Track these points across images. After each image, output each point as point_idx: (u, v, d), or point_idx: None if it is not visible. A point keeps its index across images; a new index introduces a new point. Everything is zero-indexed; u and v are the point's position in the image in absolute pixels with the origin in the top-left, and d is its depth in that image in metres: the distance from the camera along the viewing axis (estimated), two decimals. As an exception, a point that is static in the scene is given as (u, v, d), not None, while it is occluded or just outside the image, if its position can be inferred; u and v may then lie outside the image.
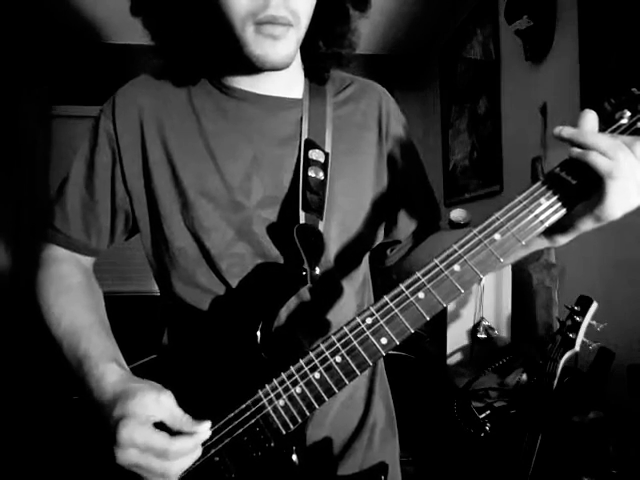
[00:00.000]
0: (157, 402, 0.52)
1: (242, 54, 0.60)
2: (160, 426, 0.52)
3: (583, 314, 1.09)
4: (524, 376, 1.52)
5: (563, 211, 0.49)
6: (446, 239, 0.77)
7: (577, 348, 1.09)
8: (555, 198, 0.49)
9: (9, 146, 2.75)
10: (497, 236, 0.50)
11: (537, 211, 0.49)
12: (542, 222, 0.49)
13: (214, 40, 0.66)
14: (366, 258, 0.78)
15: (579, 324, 1.09)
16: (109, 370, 0.56)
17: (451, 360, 1.87)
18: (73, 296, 0.66)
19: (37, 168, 2.91)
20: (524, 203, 0.50)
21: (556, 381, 1.10)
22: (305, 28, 0.62)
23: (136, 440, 0.50)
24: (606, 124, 0.50)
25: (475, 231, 0.51)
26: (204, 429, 0.53)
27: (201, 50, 0.67)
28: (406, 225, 0.77)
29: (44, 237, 0.71)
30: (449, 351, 1.87)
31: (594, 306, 1.09)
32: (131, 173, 0.68)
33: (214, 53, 0.68)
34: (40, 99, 2.94)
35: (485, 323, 1.85)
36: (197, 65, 0.68)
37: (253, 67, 0.62)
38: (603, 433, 1.20)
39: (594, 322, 1.10)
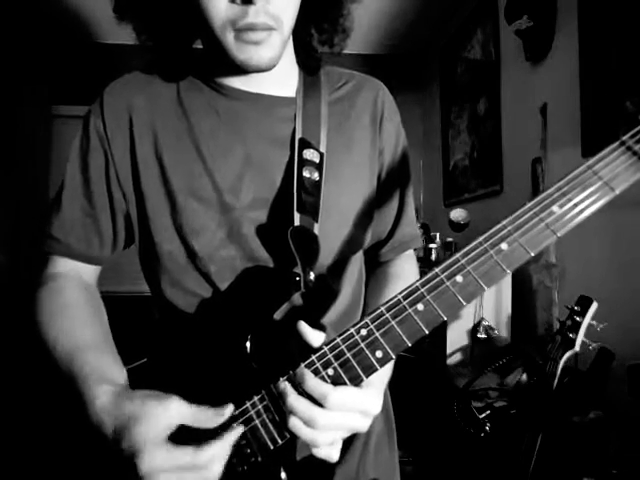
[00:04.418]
0: (164, 412, 0.48)
1: (226, 57, 0.59)
2: (181, 432, 0.49)
3: (583, 314, 1.09)
4: (524, 376, 1.52)
5: (578, 219, 0.46)
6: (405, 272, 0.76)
7: (577, 348, 1.09)
8: (570, 205, 0.46)
9: (9, 146, 2.75)
10: (504, 246, 0.46)
11: (549, 220, 0.46)
12: (554, 232, 0.46)
13: (201, 41, 0.65)
14: (361, 254, 0.76)
15: (579, 324, 1.09)
16: (99, 392, 0.52)
17: (451, 360, 1.87)
18: (69, 314, 0.62)
19: (37, 168, 2.91)
20: (534, 210, 0.46)
21: (556, 381, 1.10)
22: (290, 29, 0.61)
23: (160, 466, 0.46)
24: (629, 125, 0.47)
25: (480, 239, 0.47)
26: (225, 418, 0.49)
27: (188, 50, 0.66)
28: (384, 225, 0.77)
29: (42, 247, 0.68)
30: (449, 351, 1.87)
31: (594, 306, 1.09)
32: (123, 173, 0.66)
33: (202, 53, 0.67)
34: (40, 99, 2.94)
35: (485, 323, 1.85)
36: (187, 59, 0.67)
37: (238, 69, 0.61)
38: (603, 433, 1.20)
39: (594, 322, 1.10)
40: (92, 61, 3.09)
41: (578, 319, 1.09)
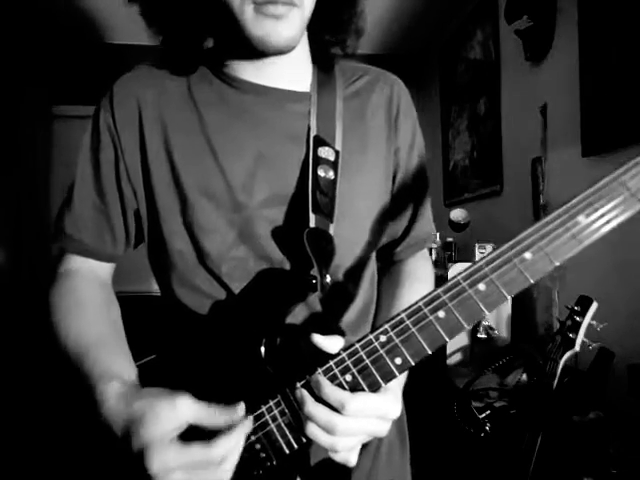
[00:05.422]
0: (174, 411, 0.47)
1: (243, 36, 0.56)
2: (191, 430, 0.48)
3: (583, 314, 1.09)
4: (524, 376, 1.52)
5: (605, 230, 0.45)
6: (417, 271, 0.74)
7: (577, 348, 1.09)
8: (596, 215, 0.45)
9: (10, 146, 2.75)
10: (528, 255, 0.45)
11: (575, 229, 0.45)
12: (580, 242, 0.45)
13: (214, 23, 0.62)
14: (374, 253, 0.74)
15: (579, 324, 1.09)
16: (109, 389, 0.52)
17: (451, 360, 1.87)
18: (81, 311, 0.62)
19: (38, 168, 2.91)
20: (560, 220, 0.45)
21: (556, 381, 1.10)
22: (311, 9, 0.58)
23: (171, 465, 0.45)
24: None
25: (504, 247, 0.46)
26: (238, 417, 0.48)
27: (201, 35, 0.64)
28: (400, 224, 0.75)
29: (56, 244, 0.67)
30: (449, 351, 1.87)
31: (594, 306, 1.09)
32: (133, 169, 0.64)
33: (215, 38, 0.65)
34: (40, 99, 2.95)
35: (485, 323, 1.85)
36: (197, 52, 0.65)
37: (255, 51, 0.58)
38: (603, 433, 1.20)
39: (594, 322, 1.10)
40: (93, 61, 3.09)
41: (578, 319, 1.09)
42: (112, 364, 0.56)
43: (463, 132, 2.75)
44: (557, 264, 0.46)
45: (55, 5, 2.68)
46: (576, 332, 1.09)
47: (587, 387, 1.33)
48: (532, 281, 0.46)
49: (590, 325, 1.09)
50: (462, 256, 2.32)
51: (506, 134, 2.23)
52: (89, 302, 0.63)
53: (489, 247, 2.01)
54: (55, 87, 3.04)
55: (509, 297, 0.46)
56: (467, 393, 1.53)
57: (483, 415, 1.42)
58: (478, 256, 2.01)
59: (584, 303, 1.10)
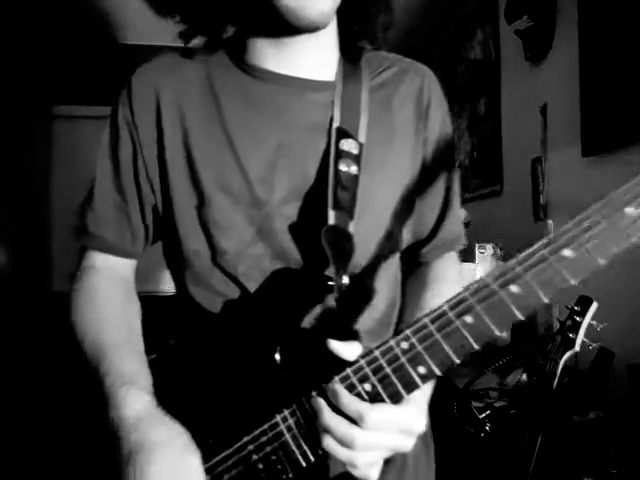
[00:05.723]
0: (184, 465, 0.48)
1: (274, 11, 0.54)
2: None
3: (583, 314, 1.09)
4: (524, 376, 1.52)
5: None
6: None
7: (577, 348, 1.09)
8: None
9: (10, 146, 2.75)
10: (567, 252, 0.40)
11: (623, 222, 0.40)
12: (629, 236, 0.41)
13: (233, 17, 0.60)
14: (397, 254, 0.71)
15: (579, 324, 1.09)
16: (124, 395, 0.52)
17: (451, 360, 1.87)
18: (100, 310, 0.61)
19: (37, 168, 2.91)
20: (604, 212, 0.40)
21: (556, 381, 1.10)
22: None
23: None
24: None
25: (539, 244, 0.41)
26: None
27: (225, 15, 0.62)
28: (427, 223, 0.71)
29: (78, 241, 0.67)
30: (449, 351, 1.87)
31: (594, 306, 1.09)
32: (151, 163, 0.62)
33: (240, 20, 0.63)
34: (40, 99, 2.94)
35: (485, 323, 1.84)
36: (218, 37, 0.63)
37: (286, 27, 0.55)
38: (603, 433, 1.20)
39: (594, 322, 1.10)
40: (93, 61, 3.08)
41: (578, 319, 1.09)
42: (127, 370, 0.55)
43: (463, 132, 2.75)
44: (603, 262, 0.41)
45: (55, 4, 2.68)
46: (576, 332, 1.09)
47: (587, 387, 1.33)
48: (573, 282, 0.40)
49: (590, 325, 1.09)
50: (462, 256, 2.32)
51: (506, 134, 2.23)
52: (108, 301, 0.63)
53: (489, 247, 2.01)
54: (55, 87, 3.04)
55: (546, 300, 0.41)
56: (467, 393, 1.53)
57: (483, 415, 1.42)
58: (478, 256, 2.01)
59: (584, 303, 1.10)
